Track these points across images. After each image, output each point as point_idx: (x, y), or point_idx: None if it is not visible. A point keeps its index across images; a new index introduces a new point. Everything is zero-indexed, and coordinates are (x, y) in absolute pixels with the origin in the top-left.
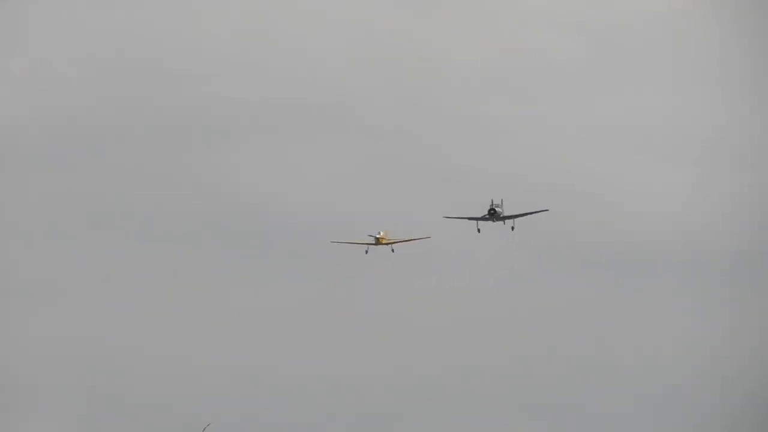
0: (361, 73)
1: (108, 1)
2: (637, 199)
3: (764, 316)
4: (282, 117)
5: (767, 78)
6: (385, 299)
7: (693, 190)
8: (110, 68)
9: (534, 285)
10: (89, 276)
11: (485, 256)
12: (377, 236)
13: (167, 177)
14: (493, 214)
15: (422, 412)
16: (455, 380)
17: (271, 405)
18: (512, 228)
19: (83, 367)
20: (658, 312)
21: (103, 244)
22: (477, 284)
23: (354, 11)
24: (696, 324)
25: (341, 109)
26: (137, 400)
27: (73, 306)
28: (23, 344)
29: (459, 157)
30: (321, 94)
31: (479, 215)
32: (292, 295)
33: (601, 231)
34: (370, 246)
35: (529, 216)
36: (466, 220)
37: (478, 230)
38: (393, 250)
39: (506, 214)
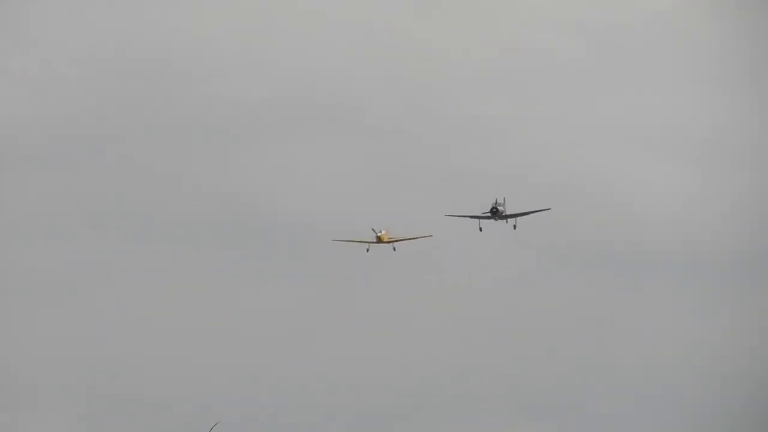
0: (361, 73)
1: (108, 1)
2: (637, 198)
3: (764, 316)
4: (282, 117)
5: (767, 78)
6: (387, 298)
7: (693, 190)
8: (110, 68)
9: (535, 284)
10: (89, 276)
11: (487, 254)
12: (378, 234)
13: (167, 177)
14: (495, 213)
15: (422, 412)
16: (455, 380)
17: (271, 405)
18: (514, 227)
19: (83, 367)
20: (658, 312)
21: (103, 244)
22: (478, 283)
23: (354, 11)
24: (696, 324)
25: (341, 108)
26: (137, 400)
27: (73, 306)
28: (23, 344)
29: (459, 157)
30: (321, 94)
31: (481, 214)
32: (292, 294)
33: (602, 231)
34: (371, 244)
35: (530, 215)
36: (468, 218)
37: (480, 229)
38: (395, 249)
39: (508, 213)
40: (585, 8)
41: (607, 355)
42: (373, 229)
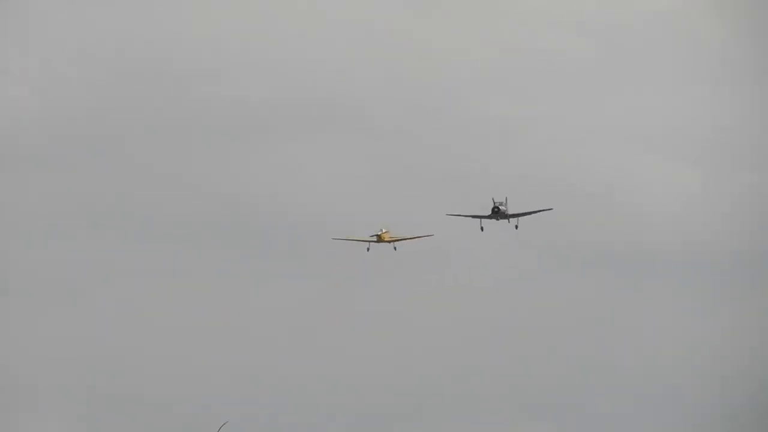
0: (361, 73)
1: (108, 1)
2: (637, 198)
3: (764, 316)
4: (282, 116)
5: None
6: (387, 298)
7: (693, 190)
8: (110, 68)
9: (536, 284)
10: (89, 276)
11: (488, 254)
12: (379, 233)
13: (167, 177)
14: (496, 212)
15: (422, 412)
16: (455, 380)
17: (271, 405)
18: (516, 227)
19: (83, 367)
20: (658, 312)
21: (103, 244)
22: (480, 283)
23: (354, 11)
24: (696, 324)
25: (342, 108)
26: (137, 399)
27: (73, 306)
28: (23, 344)
29: (460, 157)
30: (321, 93)
31: (482, 213)
32: (292, 294)
33: (602, 231)
34: (372, 244)
35: (531, 215)
36: (470, 218)
37: (482, 228)
38: (395, 248)
39: (510, 212)
40: (585, 8)
41: (607, 355)
42: (372, 236)
